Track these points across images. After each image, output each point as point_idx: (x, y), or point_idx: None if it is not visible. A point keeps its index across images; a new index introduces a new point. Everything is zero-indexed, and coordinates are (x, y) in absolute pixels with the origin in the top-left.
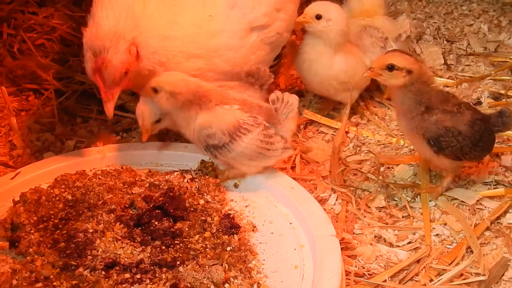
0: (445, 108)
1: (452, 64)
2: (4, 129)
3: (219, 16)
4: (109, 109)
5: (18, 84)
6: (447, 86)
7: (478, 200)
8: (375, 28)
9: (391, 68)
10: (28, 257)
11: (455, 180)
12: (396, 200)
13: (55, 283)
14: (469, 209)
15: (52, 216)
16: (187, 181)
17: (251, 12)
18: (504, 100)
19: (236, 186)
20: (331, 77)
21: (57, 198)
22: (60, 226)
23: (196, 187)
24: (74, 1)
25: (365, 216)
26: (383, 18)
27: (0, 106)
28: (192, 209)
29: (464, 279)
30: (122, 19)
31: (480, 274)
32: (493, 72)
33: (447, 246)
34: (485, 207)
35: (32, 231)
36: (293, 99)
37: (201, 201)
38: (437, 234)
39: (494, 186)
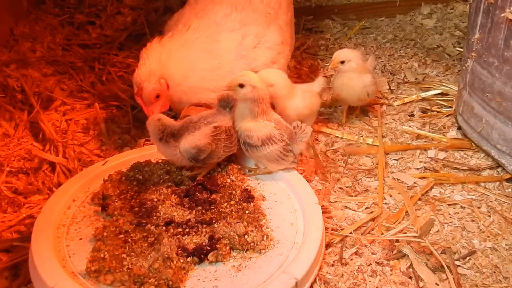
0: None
1: (394, 89)
2: (97, 132)
3: (226, 64)
4: (149, 114)
5: (106, 102)
6: (391, 105)
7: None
8: None
9: (241, 85)
10: (113, 217)
11: None
12: (358, 180)
13: (132, 235)
14: (407, 186)
15: (129, 190)
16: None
17: (254, 62)
18: (429, 113)
19: (250, 171)
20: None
21: (133, 178)
22: (135, 197)
23: (225, 171)
24: (142, 46)
25: (337, 191)
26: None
27: (94, 117)
28: (222, 185)
29: (404, 233)
30: (153, 63)
31: (414, 230)
32: (421, 94)
33: (392, 211)
34: (417, 185)
35: (116, 200)
36: (308, 129)
37: (228, 180)
38: (385, 203)
39: (423, 171)
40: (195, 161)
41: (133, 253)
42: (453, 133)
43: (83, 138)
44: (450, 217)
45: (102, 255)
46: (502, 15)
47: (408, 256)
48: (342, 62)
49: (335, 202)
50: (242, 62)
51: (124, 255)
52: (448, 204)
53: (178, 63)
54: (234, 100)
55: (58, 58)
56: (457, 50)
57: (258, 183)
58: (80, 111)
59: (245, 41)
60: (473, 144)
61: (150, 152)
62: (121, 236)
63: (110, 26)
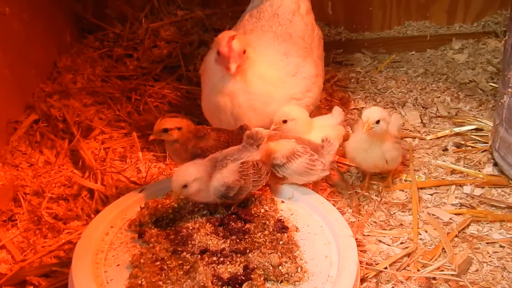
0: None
1: (427, 123)
2: (134, 159)
3: (273, 92)
4: (233, 68)
5: (142, 131)
6: (423, 139)
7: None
8: None
9: (165, 130)
10: (150, 244)
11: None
12: (392, 214)
13: (168, 262)
14: (442, 222)
15: (165, 218)
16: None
17: (292, 90)
18: (464, 148)
19: (283, 202)
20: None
21: (168, 206)
22: (170, 224)
23: (258, 200)
24: (177, 78)
25: (371, 224)
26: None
27: (131, 145)
28: (256, 215)
29: (441, 270)
30: None
31: (452, 268)
32: (454, 129)
33: (428, 247)
34: (453, 221)
35: (152, 227)
36: (336, 142)
37: (262, 210)
38: (420, 238)
39: (459, 207)
40: (225, 198)
41: (169, 281)
42: (489, 169)
43: (121, 166)
44: (489, 256)
45: (139, 282)
46: None
47: None
48: (378, 122)
49: (368, 235)
50: (283, 88)
51: (161, 283)
52: (487, 243)
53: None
54: (264, 138)
55: (97, 89)
56: (491, 86)
57: (292, 214)
58: (118, 140)
59: (287, 68)
60: (511, 181)
61: None
62: (158, 263)
63: (147, 59)
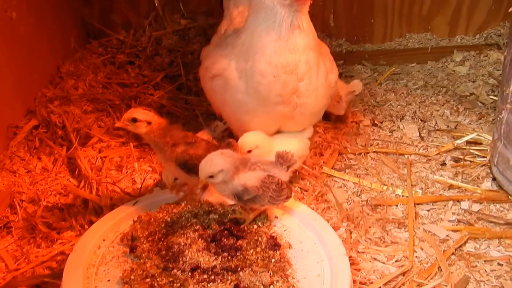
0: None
1: (425, 136)
2: (130, 170)
3: None
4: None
5: (139, 141)
6: (421, 153)
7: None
8: None
9: (134, 120)
10: (141, 260)
11: None
12: (387, 230)
13: (158, 279)
14: (439, 239)
15: (158, 232)
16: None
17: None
18: (462, 162)
19: (276, 217)
20: None
21: (161, 220)
22: (162, 239)
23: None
24: (177, 87)
25: (365, 241)
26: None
27: (127, 155)
28: (248, 231)
29: None
30: None
31: (448, 287)
32: (453, 142)
33: (424, 265)
34: (450, 238)
35: (144, 242)
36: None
37: (255, 226)
38: (416, 256)
39: (457, 224)
40: (239, 199)
41: None
42: (487, 184)
43: (116, 176)
44: (487, 275)
45: None
46: None
47: None
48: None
49: (363, 253)
50: None
51: None
52: (484, 261)
53: None
54: (295, 162)
55: (98, 95)
56: (491, 98)
57: (285, 230)
58: (115, 149)
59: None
60: (509, 197)
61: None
62: (148, 280)
63: (148, 67)
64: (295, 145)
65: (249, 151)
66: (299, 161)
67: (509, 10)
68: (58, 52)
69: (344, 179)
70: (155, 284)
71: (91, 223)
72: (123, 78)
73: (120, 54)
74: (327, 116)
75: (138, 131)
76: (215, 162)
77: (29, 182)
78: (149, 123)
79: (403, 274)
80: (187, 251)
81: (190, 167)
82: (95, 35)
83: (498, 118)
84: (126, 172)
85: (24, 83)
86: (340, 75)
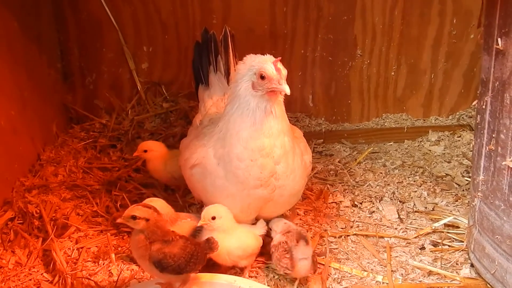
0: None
1: (404, 218)
2: (107, 261)
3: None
4: (287, 89)
5: (118, 228)
6: (400, 237)
7: None
8: None
9: (134, 217)
10: None
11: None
12: None
13: None
14: None
15: None
16: None
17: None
18: (440, 247)
19: None
20: None
21: None
22: None
23: None
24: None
25: None
26: None
27: (105, 245)
28: None
29: None
30: None
31: None
32: (432, 225)
33: None
34: None
35: None
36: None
37: None
38: None
39: None
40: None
41: None
42: (466, 270)
43: (93, 268)
44: None
45: None
46: (504, 163)
47: None
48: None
49: None
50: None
51: None
52: None
53: None
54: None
55: (78, 181)
56: (466, 180)
57: None
58: (93, 238)
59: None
60: (488, 285)
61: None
62: None
63: (130, 150)
64: (251, 239)
65: (213, 218)
66: (250, 258)
67: (473, 104)
68: (39, 139)
69: (326, 265)
70: None
71: None
72: (104, 162)
73: (102, 138)
74: None
75: (137, 227)
76: None
77: (0, 279)
78: (147, 220)
79: None
80: None
81: (163, 266)
82: (77, 120)
83: (471, 205)
84: (103, 264)
85: (2, 173)
86: (320, 153)
